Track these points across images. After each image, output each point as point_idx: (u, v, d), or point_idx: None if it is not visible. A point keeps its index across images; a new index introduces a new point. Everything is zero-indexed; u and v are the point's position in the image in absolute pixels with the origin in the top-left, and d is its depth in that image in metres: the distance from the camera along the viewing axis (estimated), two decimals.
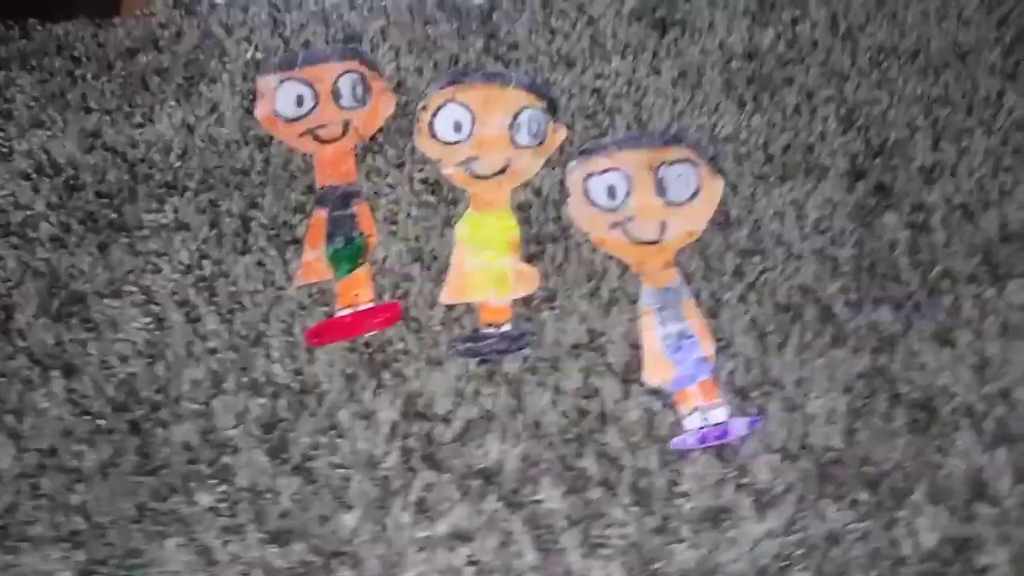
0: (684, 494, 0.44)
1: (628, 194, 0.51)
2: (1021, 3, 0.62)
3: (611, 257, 0.51)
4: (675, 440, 0.44)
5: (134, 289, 0.48)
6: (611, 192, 0.51)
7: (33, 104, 0.54)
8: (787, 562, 0.42)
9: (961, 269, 0.52)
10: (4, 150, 0.52)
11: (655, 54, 0.57)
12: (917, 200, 0.54)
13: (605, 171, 0.52)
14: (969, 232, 0.53)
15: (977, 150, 0.56)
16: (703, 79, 0.57)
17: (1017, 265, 0.52)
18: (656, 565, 0.41)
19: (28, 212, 0.49)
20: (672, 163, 0.52)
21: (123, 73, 0.54)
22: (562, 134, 0.54)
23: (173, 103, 0.53)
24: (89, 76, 0.54)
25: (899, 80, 0.58)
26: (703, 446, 0.44)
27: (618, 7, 0.59)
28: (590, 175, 0.52)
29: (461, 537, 0.41)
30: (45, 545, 0.40)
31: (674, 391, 0.46)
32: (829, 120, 0.56)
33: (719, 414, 0.45)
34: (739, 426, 0.45)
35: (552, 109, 0.54)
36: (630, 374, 0.47)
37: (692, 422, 0.45)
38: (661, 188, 0.51)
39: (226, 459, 0.43)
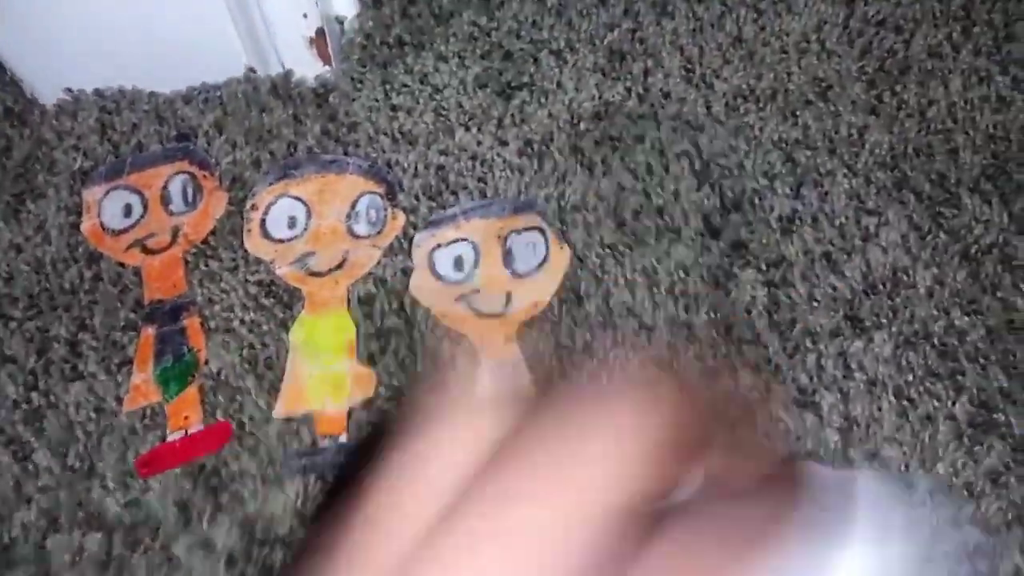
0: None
1: (475, 265, 0.49)
2: (882, 30, 0.60)
3: (458, 336, 0.49)
4: None
5: None
6: (458, 263, 0.50)
7: None
8: None
9: (824, 324, 0.50)
10: None
11: (500, 123, 0.55)
12: (776, 255, 0.52)
13: (453, 242, 0.50)
14: (831, 284, 0.51)
15: (839, 194, 0.54)
16: (551, 145, 0.55)
17: (883, 316, 0.50)
18: None
19: None
20: (521, 231, 0.50)
21: None
22: (401, 220, 0.52)
23: (0, 224, 0.51)
24: None
25: (756, 126, 0.56)
26: None
27: (462, 75, 0.57)
28: (437, 247, 0.50)
29: None
30: None
31: None
32: (682, 176, 0.54)
33: None
34: None
35: (391, 194, 0.53)
36: None
37: None
38: (508, 258, 0.50)
39: None
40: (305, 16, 0.53)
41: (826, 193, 0.54)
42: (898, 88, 0.58)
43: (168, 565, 0.43)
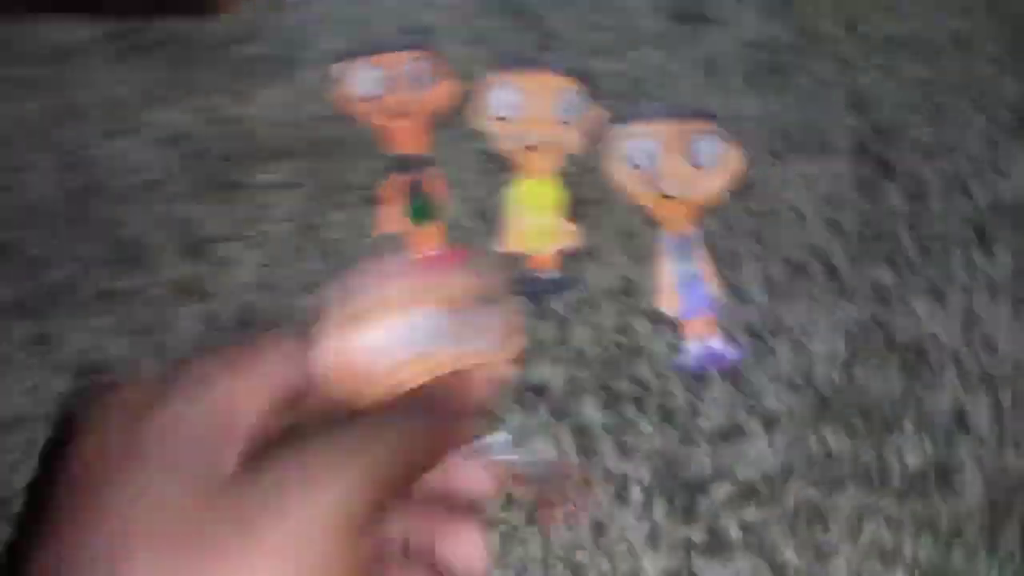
0: (702, 413, 0.52)
1: (660, 157, 0.59)
2: None
3: (641, 211, 0.59)
4: (676, 360, 0.53)
5: (252, 233, 0.58)
6: (645, 155, 0.60)
7: (156, 86, 0.63)
8: (789, 473, 0.50)
9: (955, 234, 0.59)
10: (136, 126, 0.62)
11: (680, 45, 0.65)
12: (915, 174, 0.61)
13: (642, 137, 0.60)
14: (963, 203, 0.60)
15: (972, 130, 0.63)
16: (725, 67, 0.65)
17: (1005, 233, 0.59)
18: (677, 469, 0.49)
19: (162, 173, 0.60)
20: (701, 134, 0.60)
21: (226, 60, 0.64)
22: (599, 113, 0.62)
23: (271, 86, 0.63)
24: (199, 63, 0.64)
25: (902, 67, 0.65)
26: (698, 367, 0.53)
27: (648, 3, 0.67)
28: (629, 140, 0.60)
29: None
30: None
31: (680, 320, 0.54)
32: (839, 103, 0.64)
33: (715, 344, 0.53)
34: (731, 355, 0.53)
35: (592, 92, 0.63)
36: (657, 314, 0.55)
37: (692, 347, 0.53)
38: (689, 154, 0.59)
39: None
40: None
41: (960, 129, 0.63)
42: None
43: None
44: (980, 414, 0.52)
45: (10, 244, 0.58)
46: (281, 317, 0.56)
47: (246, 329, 0.55)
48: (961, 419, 0.52)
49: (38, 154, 0.61)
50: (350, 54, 0.64)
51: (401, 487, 0.18)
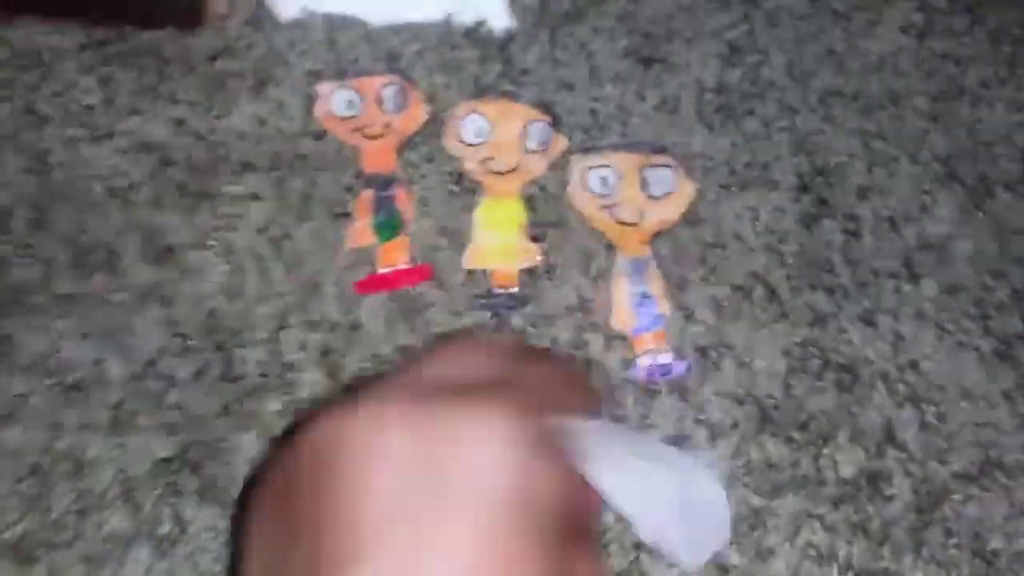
0: (652, 424, 0.55)
1: (618, 185, 0.63)
2: (944, 60, 0.75)
3: (599, 234, 0.62)
4: (629, 372, 0.56)
5: (215, 243, 0.59)
6: (604, 182, 0.63)
7: (130, 95, 0.65)
8: (733, 480, 0.52)
9: (885, 267, 0.64)
10: (107, 133, 0.63)
11: (640, 84, 0.70)
12: (851, 212, 0.66)
13: (601, 166, 0.64)
14: (893, 239, 0.65)
15: (902, 176, 0.68)
16: (679, 106, 0.69)
17: (930, 267, 0.64)
18: None
19: (129, 180, 0.60)
20: (656, 166, 0.64)
21: (204, 74, 0.66)
22: (563, 143, 0.66)
23: (246, 100, 0.65)
24: (176, 75, 0.66)
25: (840, 117, 0.71)
26: (649, 378, 0.56)
27: (612, 45, 0.72)
28: (589, 168, 0.64)
29: None
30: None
31: (633, 336, 0.57)
32: (782, 143, 0.68)
33: (665, 357, 0.56)
34: (679, 367, 0.56)
35: (555, 123, 0.66)
36: (610, 331, 0.58)
37: (643, 361, 0.56)
38: (644, 184, 0.63)
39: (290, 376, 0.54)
40: None
41: (892, 174, 0.69)
42: (955, 105, 0.73)
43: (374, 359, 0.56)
44: (907, 428, 0.56)
45: None
46: (244, 324, 0.57)
47: (209, 335, 0.56)
48: (890, 432, 0.55)
49: (9, 157, 0.62)
50: (326, 75, 0.66)
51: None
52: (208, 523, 0.50)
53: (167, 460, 0.51)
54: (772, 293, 0.61)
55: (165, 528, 0.50)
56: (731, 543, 0.49)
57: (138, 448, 0.51)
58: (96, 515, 0.50)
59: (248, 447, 0.51)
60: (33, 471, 0.51)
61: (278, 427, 0.52)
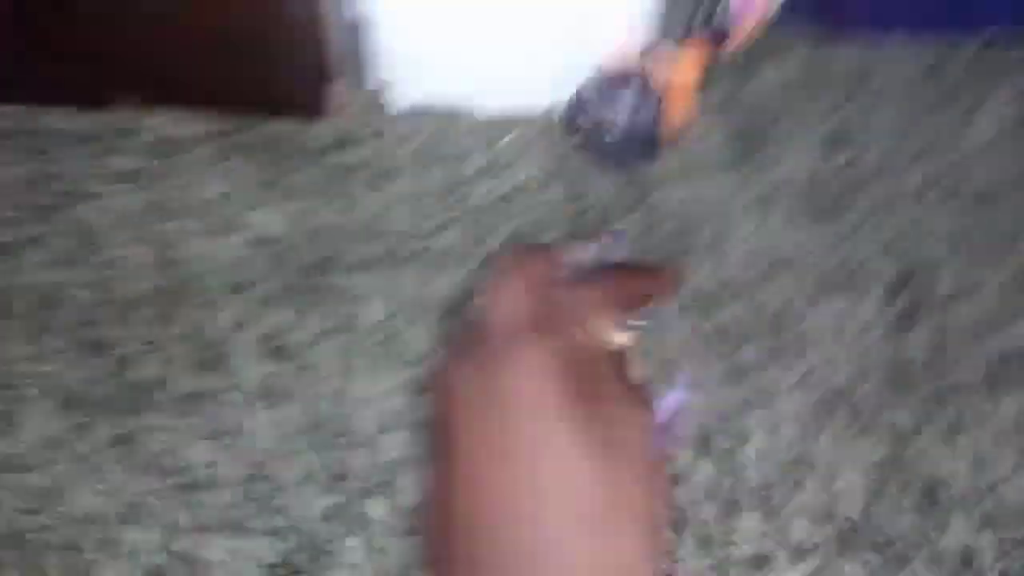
0: (735, 543, 0.56)
1: None
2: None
3: None
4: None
5: (333, 340, 0.62)
6: None
7: (249, 188, 0.67)
8: None
9: (965, 381, 0.64)
10: (226, 227, 0.66)
11: (743, 170, 0.71)
12: (936, 323, 0.66)
13: None
14: (976, 351, 0.65)
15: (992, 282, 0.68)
16: (781, 195, 0.71)
17: (1013, 382, 0.64)
18: None
19: (245, 276, 0.63)
20: None
21: (324, 164, 0.68)
22: None
23: (361, 193, 0.67)
24: (295, 167, 0.68)
25: (927, 218, 0.71)
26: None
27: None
28: None
29: None
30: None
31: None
32: (872, 242, 0.69)
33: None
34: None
35: None
36: None
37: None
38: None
39: None
40: None
41: (979, 282, 0.69)
42: None
43: None
44: (985, 554, 0.57)
45: (101, 341, 0.61)
46: (352, 430, 0.58)
47: (317, 432, 0.58)
48: (967, 558, 0.56)
49: (135, 248, 0.64)
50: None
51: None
52: None
53: (273, 566, 0.54)
54: (855, 409, 0.62)
55: None
56: None
57: (248, 552, 0.54)
58: None
59: (351, 552, 0.54)
60: (148, 573, 0.53)
61: (381, 532, 0.54)
